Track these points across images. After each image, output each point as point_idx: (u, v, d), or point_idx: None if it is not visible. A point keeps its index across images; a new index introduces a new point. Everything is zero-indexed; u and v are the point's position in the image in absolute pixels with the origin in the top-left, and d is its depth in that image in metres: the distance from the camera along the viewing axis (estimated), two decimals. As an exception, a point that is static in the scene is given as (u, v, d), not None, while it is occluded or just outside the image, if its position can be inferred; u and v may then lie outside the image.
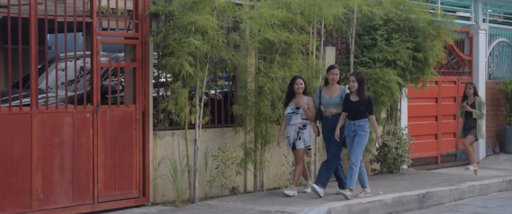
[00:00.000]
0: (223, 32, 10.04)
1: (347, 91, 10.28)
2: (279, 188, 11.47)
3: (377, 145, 11.25)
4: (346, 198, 9.97)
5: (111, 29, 11.32)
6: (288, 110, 10.46)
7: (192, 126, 10.12)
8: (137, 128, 9.68)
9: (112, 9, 10.38)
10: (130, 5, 9.78)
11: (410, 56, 12.65)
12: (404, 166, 13.75)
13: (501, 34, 17.55)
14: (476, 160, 14.39)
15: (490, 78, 17.18)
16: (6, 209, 8.41)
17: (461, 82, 15.91)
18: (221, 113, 11.06)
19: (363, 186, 10.45)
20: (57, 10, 8.98)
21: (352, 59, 12.71)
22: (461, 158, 15.98)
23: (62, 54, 11.06)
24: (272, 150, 11.17)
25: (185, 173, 10.07)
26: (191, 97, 10.15)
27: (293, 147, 10.49)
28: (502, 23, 18.22)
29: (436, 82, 14.81)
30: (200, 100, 10.15)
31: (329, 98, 10.41)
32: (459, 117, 14.45)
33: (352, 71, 12.65)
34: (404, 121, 14.01)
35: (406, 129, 13.71)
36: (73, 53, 9.48)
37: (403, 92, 13.44)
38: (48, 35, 10.70)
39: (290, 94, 10.48)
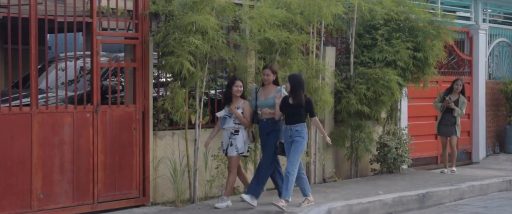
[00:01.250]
0: (223, 32, 10.04)
1: (284, 92, 9.57)
2: (279, 188, 11.46)
3: (330, 143, 10.28)
4: (281, 210, 9.14)
5: (111, 29, 11.32)
6: (222, 112, 9.71)
7: (192, 126, 10.11)
8: (137, 128, 9.68)
9: (112, 9, 10.39)
10: (130, 5, 9.78)
11: (410, 56, 12.67)
12: (404, 166, 13.75)
13: (501, 34, 17.54)
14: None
15: (490, 78, 17.17)
16: (6, 209, 8.41)
17: (461, 82, 15.93)
18: (221, 113, 11.05)
19: (304, 195, 9.69)
20: (57, 10, 8.98)
21: (352, 59, 12.71)
22: (461, 158, 15.98)
23: (62, 54, 11.06)
24: (272, 150, 11.16)
25: (185, 173, 10.06)
26: (190, 97, 10.14)
27: (226, 153, 9.72)
28: (502, 23, 18.21)
29: (437, 82, 14.81)
30: (200, 100, 10.14)
31: (264, 100, 9.69)
32: (437, 110, 14.09)
33: (352, 71, 12.67)
34: (404, 121, 14.01)
35: (406, 129, 13.71)
36: (73, 53, 9.47)
37: (403, 92, 13.45)
38: (48, 35, 10.70)
39: (228, 97, 9.72)
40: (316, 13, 11.29)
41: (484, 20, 16.90)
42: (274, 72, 9.74)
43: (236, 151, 9.57)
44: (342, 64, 12.98)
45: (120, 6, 9.67)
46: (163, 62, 9.83)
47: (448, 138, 13.95)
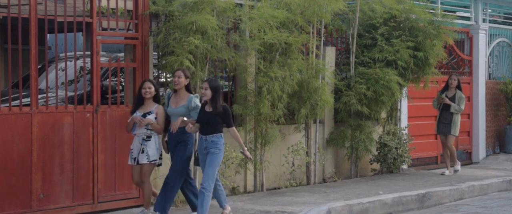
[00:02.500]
0: (223, 32, 10.04)
1: (197, 102, 8.68)
2: (279, 188, 11.48)
3: (250, 158, 9.00)
4: None
5: (111, 29, 11.33)
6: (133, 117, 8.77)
7: (192, 126, 10.10)
8: (137, 128, 9.66)
9: (112, 9, 10.39)
10: (130, 5, 9.78)
11: (411, 56, 12.67)
12: (404, 166, 13.75)
13: (501, 34, 17.54)
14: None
15: (490, 78, 17.17)
16: (6, 209, 8.41)
17: (461, 82, 15.89)
18: (221, 113, 11.04)
19: (221, 206, 8.91)
20: (57, 10, 8.98)
21: (352, 59, 12.71)
22: (461, 158, 15.97)
23: (62, 54, 11.06)
24: (272, 150, 11.17)
25: (185, 173, 10.04)
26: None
27: (137, 162, 8.73)
28: (502, 23, 18.20)
29: (437, 82, 14.80)
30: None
31: (174, 107, 8.71)
32: (435, 109, 13.81)
33: (352, 71, 12.66)
34: (404, 121, 14.00)
35: (406, 129, 13.71)
36: (73, 53, 9.47)
37: (403, 92, 13.45)
38: (48, 35, 10.70)
39: (140, 99, 8.79)
40: (316, 12, 11.30)
41: (484, 20, 16.89)
42: (187, 77, 8.76)
43: (147, 159, 8.64)
44: (342, 64, 12.98)
45: (120, 6, 9.67)
46: (163, 62, 9.83)
47: (445, 137, 13.76)
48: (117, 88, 9.62)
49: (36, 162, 8.66)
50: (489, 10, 17.45)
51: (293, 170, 11.73)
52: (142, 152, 8.67)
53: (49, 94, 9.01)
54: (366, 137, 12.63)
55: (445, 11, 14.69)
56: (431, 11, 13.57)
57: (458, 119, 13.56)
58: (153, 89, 8.72)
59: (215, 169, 8.46)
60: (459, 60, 16.06)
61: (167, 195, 8.64)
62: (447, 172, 13.65)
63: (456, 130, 13.55)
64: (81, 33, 9.48)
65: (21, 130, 8.55)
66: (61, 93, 9.71)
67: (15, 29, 8.43)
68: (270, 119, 10.89)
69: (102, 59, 9.77)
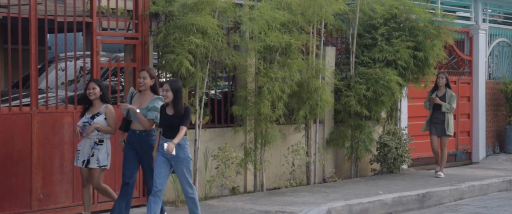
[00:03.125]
0: (223, 32, 10.04)
1: (155, 104, 8.27)
2: (279, 188, 11.48)
3: (173, 152, 7.94)
4: None
5: (111, 29, 11.32)
6: (83, 119, 8.42)
7: (192, 126, 10.11)
8: (137, 128, 9.66)
9: (112, 9, 10.39)
10: (130, 5, 9.78)
11: (411, 56, 12.67)
12: (404, 166, 13.75)
13: (501, 34, 17.53)
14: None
15: (490, 78, 17.17)
16: (6, 209, 8.41)
17: (461, 83, 15.92)
18: (221, 113, 11.06)
19: None
20: (57, 10, 8.98)
21: (352, 59, 12.71)
22: (461, 158, 15.98)
23: (62, 54, 11.06)
24: (272, 150, 11.17)
25: (185, 173, 10.04)
26: (190, 97, 10.14)
27: (86, 165, 8.37)
28: (502, 23, 18.20)
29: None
30: (200, 101, 10.14)
31: (137, 108, 8.29)
32: (427, 109, 13.35)
33: (352, 71, 12.66)
34: (404, 121, 14.00)
35: (406, 129, 13.70)
36: (73, 53, 9.47)
37: (403, 92, 13.44)
38: (48, 35, 10.70)
39: (85, 101, 8.46)
40: (317, 12, 11.29)
41: (484, 20, 16.89)
42: (152, 77, 8.37)
43: (97, 164, 8.33)
44: (342, 64, 12.99)
45: (120, 6, 9.67)
46: (163, 62, 9.83)
47: (439, 138, 13.32)
48: (117, 88, 9.62)
49: (36, 162, 8.66)
50: (489, 10, 17.45)
51: (293, 170, 11.73)
52: (92, 155, 8.35)
53: (49, 94, 9.01)
54: (366, 137, 12.63)
55: (445, 11, 14.69)
56: (431, 11, 13.57)
57: (451, 118, 13.21)
58: (98, 90, 8.35)
59: (190, 174, 8.16)
60: (459, 60, 16.06)
61: (125, 202, 8.34)
62: (441, 173, 13.20)
63: (451, 129, 13.19)
64: (81, 33, 9.48)
65: (21, 130, 8.55)
66: (61, 93, 9.71)
67: (15, 29, 8.43)
68: (270, 119, 10.89)
69: (102, 59, 9.77)
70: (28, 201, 8.59)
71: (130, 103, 8.39)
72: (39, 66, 8.92)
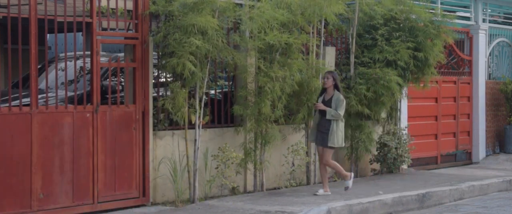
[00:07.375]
0: (223, 32, 10.04)
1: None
2: (279, 188, 11.48)
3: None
4: None
5: (111, 29, 11.33)
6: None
7: (192, 126, 10.12)
8: (137, 128, 9.68)
9: (112, 9, 10.39)
10: (130, 5, 9.78)
11: (411, 56, 12.66)
12: (404, 166, 13.75)
13: (501, 34, 17.54)
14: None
15: (490, 78, 17.17)
16: (6, 209, 8.40)
17: (461, 83, 15.92)
18: (221, 113, 11.06)
19: None
20: (57, 10, 8.98)
21: (352, 59, 12.71)
22: (461, 158, 15.98)
23: (62, 54, 11.06)
24: (272, 150, 11.17)
25: (185, 173, 10.06)
26: (190, 97, 10.15)
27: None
28: (502, 23, 18.20)
29: (437, 82, 14.80)
30: (200, 101, 10.14)
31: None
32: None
33: (352, 71, 12.66)
34: (404, 121, 14.00)
35: (406, 129, 13.70)
36: (73, 53, 9.47)
37: (403, 92, 13.44)
38: (48, 35, 10.70)
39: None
40: (317, 12, 11.29)
41: (484, 20, 16.89)
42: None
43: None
44: (342, 64, 12.98)
45: (120, 6, 9.67)
46: (164, 63, 9.83)
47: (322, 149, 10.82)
48: (117, 88, 9.62)
49: (36, 162, 8.66)
50: (489, 10, 17.46)
51: (293, 170, 11.72)
52: None
53: (49, 94, 9.01)
54: (366, 137, 12.63)
55: (445, 11, 14.69)
56: (431, 11, 13.57)
57: (337, 127, 10.63)
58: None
59: None
60: (459, 60, 16.06)
61: None
62: (321, 191, 10.72)
63: (335, 140, 10.59)
64: (81, 33, 9.47)
65: (21, 130, 8.55)
66: (61, 93, 9.71)
67: (15, 29, 8.43)
68: (270, 119, 10.89)
69: (102, 59, 9.77)
70: (28, 201, 8.59)
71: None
72: (39, 66, 8.92)
